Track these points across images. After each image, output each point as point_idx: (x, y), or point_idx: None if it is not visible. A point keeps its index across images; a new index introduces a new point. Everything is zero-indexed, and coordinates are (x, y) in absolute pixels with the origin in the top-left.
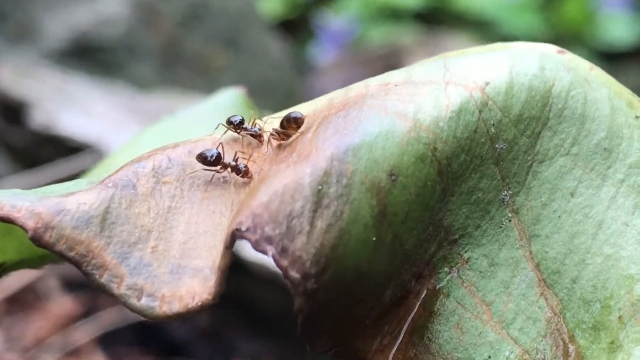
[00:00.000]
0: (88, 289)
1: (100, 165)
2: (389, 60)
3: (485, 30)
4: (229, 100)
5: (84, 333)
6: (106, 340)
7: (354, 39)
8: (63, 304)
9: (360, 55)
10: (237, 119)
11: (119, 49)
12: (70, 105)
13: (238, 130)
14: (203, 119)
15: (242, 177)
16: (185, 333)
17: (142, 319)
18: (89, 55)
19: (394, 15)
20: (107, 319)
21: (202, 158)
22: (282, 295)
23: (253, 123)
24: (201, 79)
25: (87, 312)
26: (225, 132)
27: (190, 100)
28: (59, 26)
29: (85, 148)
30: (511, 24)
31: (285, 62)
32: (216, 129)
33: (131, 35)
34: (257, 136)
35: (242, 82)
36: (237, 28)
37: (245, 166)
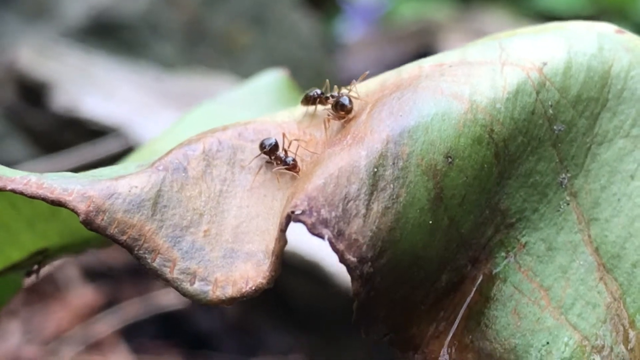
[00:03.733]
0: (110, 278)
1: (144, 149)
2: (423, 37)
3: (522, 5)
4: (271, 82)
5: (105, 325)
6: (129, 333)
7: (383, 15)
8: (84, 294)
9: (391, 32)
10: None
11: (140, 27)
12: (93, 87)
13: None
14: (245, 102)
15: (288, 170)
16: (211, 326)
17: (167, 310)
18: (109, 34)
19: None
20: (130, 310)
21: (260, 145)
22: (313, 287)
23: (336, 90)
24: (226, 58)
25: (109, 303)
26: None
27: (217, 80)
28: (78, 3)
29: (110, 132)
30: None
31: (313, 39)
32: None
33: (153, 13)
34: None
35: (269, 61)
36: (263, 4)
37: (294, 160)
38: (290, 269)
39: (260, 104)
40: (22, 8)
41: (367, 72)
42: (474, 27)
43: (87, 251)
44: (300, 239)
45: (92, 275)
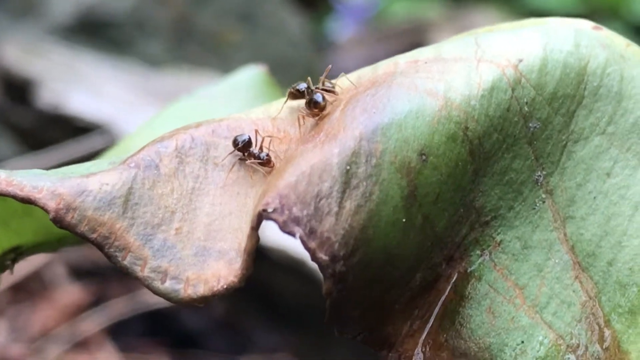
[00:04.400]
0: (97, 277)
1: (118, 146)
2: (414, 36)
3: (514, 4)
4: (249, 78)
5: (92, 323)
6: (116, 331)
7: (375, 14)
8: (71, 292)
9: (383, 31)
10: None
11: (128, 24)
12: (78, 84)
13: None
14: (223, 98)
15: (262, 166)
16: (198, 323)
17: (154, 308)
18: (96, 31)
19: None
20: (117, 308)
21: (233, 141)
22: (302, 284)
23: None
24: (214, 56)
25: (96, 301)
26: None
27: (203, 78)
28: (66, 0)
29: (95, 128)
30: None
31: (303, 37)
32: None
33: (140, 10)
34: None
35: (257, 59)
36: (252, 2)
37: (267, 156)
38: (277, 266)
39: (238, 100)
40: (9, 6)
41: (343, 74)
42: (464, 25)
43: (62, 249)
44: (287, 237)
45: (79, 273)
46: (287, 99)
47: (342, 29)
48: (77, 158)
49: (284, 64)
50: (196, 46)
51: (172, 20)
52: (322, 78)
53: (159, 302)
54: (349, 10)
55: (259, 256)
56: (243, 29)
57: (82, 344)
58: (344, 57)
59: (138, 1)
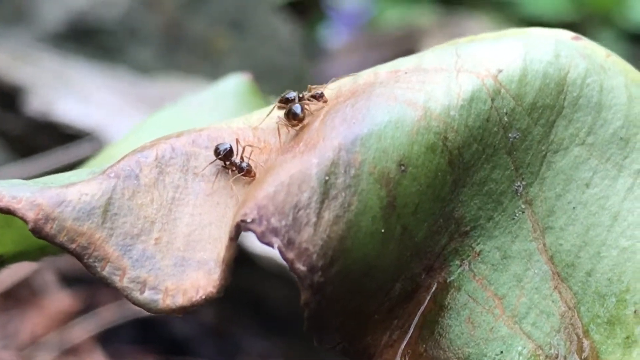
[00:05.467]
0: (86, 283)
1: (102, 155)
2: (406, 43)
3: (507, 11)
4: (234, 87)
5: (82, 330)
6: (105, 338)
7: (368, 21)
8: (60, 299)
9: (375, 38)
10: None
11: (118, 31)
12: (68, 91)
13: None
14: (207, 106)
15: (243, 175)
16: (188, 330)
17: (144, 315)
18: (87, 38)
19: None
20: (107, 315)
21: (215, 150)
22: (291, 291)
23: (307, 94)
24: (205, 63)
25: (86, 308)
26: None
27: (194, 85)
28: (56, 7)
29: (84, 136)
30: (534, 4)
31: (294, 45)
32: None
33: (131, 17)
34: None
35: (248, 66)
36: (243, 9)
37: (248, 166)
38: (266, 273)
39: (223, 108)
40: (0, 13)
41: (334, 79)
42: (457, 32)
43: (43, 258)
44: None
45: (69, 280)
46: (275, 107)
47: (335, 36)
48: (66, 165)
49: (275, 71)
50: (187, 53)
51: (163, 28)
52: (310, 86)
53: None
54: (341, 18)
55: (249, 263)
56: (233, 36)
57: (71, 351)
58: (336, 64)
59: (129, 8)
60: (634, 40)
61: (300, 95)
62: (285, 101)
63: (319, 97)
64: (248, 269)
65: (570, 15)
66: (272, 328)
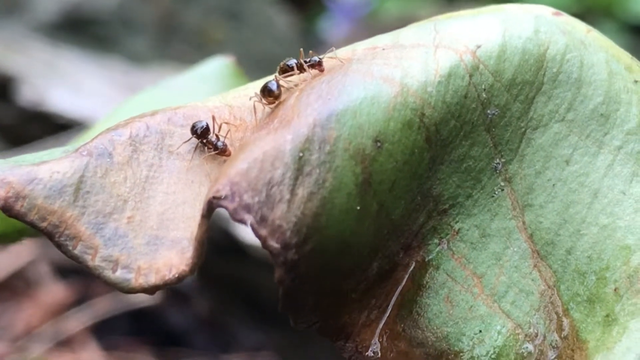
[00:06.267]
0: (81, 275)
1: (81, 137)
2: None
3: (506, 3)
4: (217, 69)
5: (76, 322)
6: (100, 330)
7: (368, 12)
8: (55, 291)
9: (375, 30)
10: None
11: (112, 22)
12: (60, 81)
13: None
14: (189, 88)
15: (219, 154)
16: (183, 322)
17: (138, 306)
18: (81, 29)
19: None
20: (101, 307)
21: (191, 128)
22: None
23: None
24: (199, 54)
25: (80, 300)
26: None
27: None
28: None
29: (76, 125)
30: None
31: (290, 35)
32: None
33: (126, 8)
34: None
35: (243, 57)
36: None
37: (224, 144)
38: (260, 264)
39: (205, 91)
40: None
41: (332, 48)
42: None
43: (22, 240)
44: None
45: (63, 271)
46: (277, 74)
47: (335, 27)
48: None
49: (270, 62)
50: (181, 43)
51: (158, 18)
52: (311, 52)
53: (143, 300)
54: (341, 9)
55: (241, 253)
56: (229, 27)
57: (66, 343)
58: None
59: None
60: (636, 32)
61: (300, 62)
62: (286, 68)
63: (316, 64)
64: (241, 260)
65: (572, 8)
66: (266, 319)
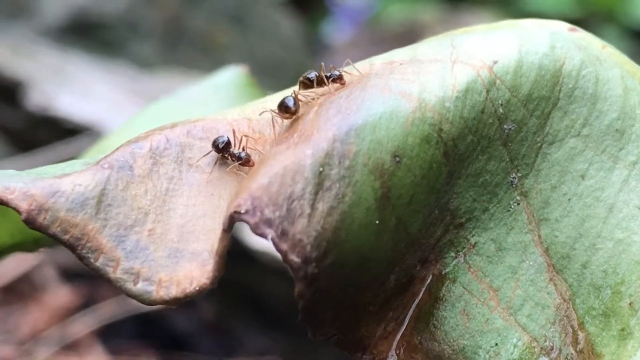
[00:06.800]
0: (87, 279)
1: (97, 147)
2: (408, 38)
3: (510, 8)
4: (230, 79)
5: (82, 325)
6: (106, 333)
7: (371, 16)
8: (61, 294)
9: (378, 34)
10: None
11: (119, 26)
12: (68, 86)
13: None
14: (203, 98)
15: (242, 165)
16: (188, 326)
17: (144, 310)
18: (88, 33)
19: None
20: (107, 310)
21: (213, 143)
22: (290, 287)
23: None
24: (205, 58)
25: (86, 304)
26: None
27: (194, 80)
28: (57, 2)
29: (84, 130)
30: (537, 0)
31: (296, 40)
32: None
33: (132, 12)
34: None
35: (248, 61)
36: (244, 4)
37: (247, 155)
38: (266, 269)
39: (219, 101)
40: (0, 7)
41: (348, 60)
42: (460, 28)
43: (39, 250)
44: None
45: (70, 275)
46: (298, 88)
47: (338, 31)
48: (66, 159)
49: (276, 66)
50: (188, 48)
51: (164, 22)
52: (331, 66)
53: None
54: (344, 13)
55: (248, 259)
56: (234, 31)
57: (71, 346)
58: (337, 59)
59: (130, 3)
60: (638, 38)
61: (320, 76)
62: (307, 80)
63: (337, 78)
64: (247, 265)
65: (574, 12)
66: (271, 324)
